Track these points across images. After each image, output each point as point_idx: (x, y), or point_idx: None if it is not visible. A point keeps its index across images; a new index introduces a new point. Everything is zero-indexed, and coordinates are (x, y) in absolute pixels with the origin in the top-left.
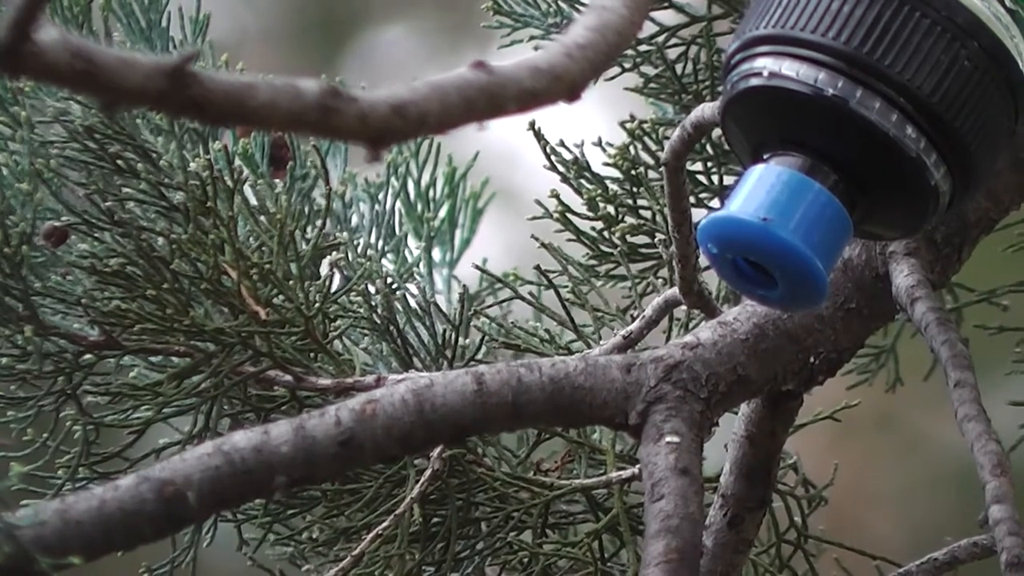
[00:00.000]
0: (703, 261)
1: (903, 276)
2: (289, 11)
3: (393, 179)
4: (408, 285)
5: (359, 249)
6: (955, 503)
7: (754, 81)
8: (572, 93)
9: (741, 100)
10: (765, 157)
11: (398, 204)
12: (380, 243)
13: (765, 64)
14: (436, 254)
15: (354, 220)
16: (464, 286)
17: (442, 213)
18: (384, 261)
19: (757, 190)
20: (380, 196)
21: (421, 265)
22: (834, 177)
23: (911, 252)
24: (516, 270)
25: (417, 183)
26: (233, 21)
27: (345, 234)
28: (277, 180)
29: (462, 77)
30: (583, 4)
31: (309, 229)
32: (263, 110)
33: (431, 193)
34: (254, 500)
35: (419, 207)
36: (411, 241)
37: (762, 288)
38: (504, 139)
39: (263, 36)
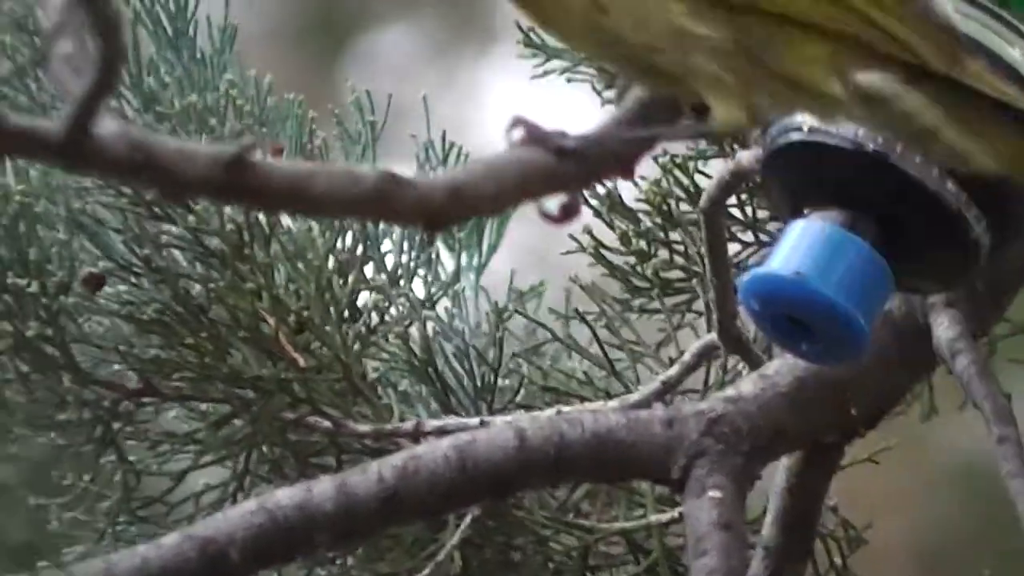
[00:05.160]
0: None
1: (944, 328)
2: (289, 11)
3: None
4: (440, 308)
5: (390, 267)
6: (956, 503)
7: (794, 136)
8: (627, 170)
9: (781, 155)
10: (805, 211)
11: None
12: (412, 258)
13: (805, 118)
14: (463, 259)
15: (386, 244)
16: (499, 337)
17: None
18: (416, 280)
19: (798, 246)
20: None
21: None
22: (875, 232)
23: (952, 303)
24: (543, 284)
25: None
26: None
27: (383, 275)
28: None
29: (517, 158)
30: None
31: (339, 242)
32: (322, 198)
33: None
34: (297, 557)
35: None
36: (443, 253)
37: (804, 343)
38: (501, 137)
39: (263, 36)
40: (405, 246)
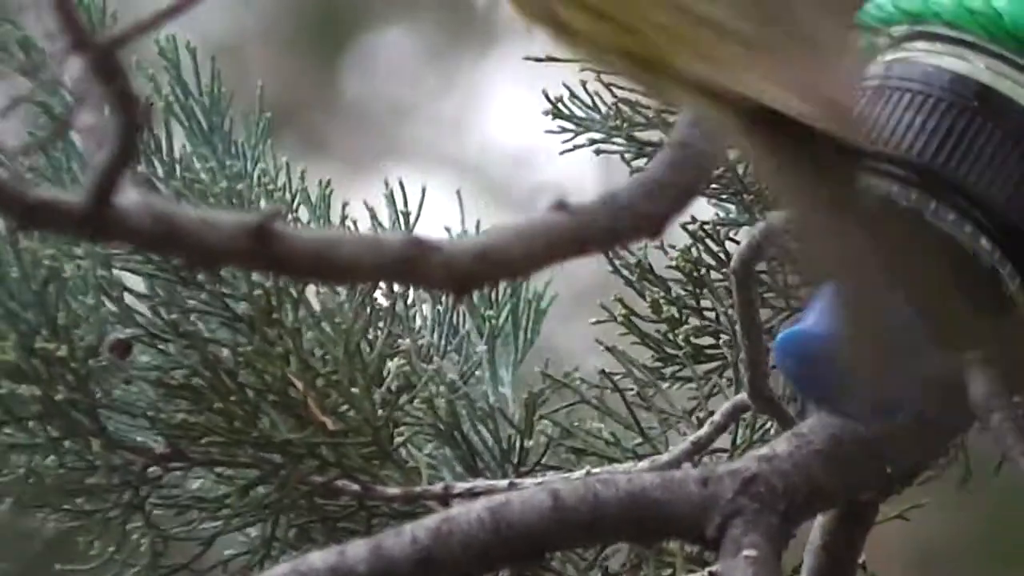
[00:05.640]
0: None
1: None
2: (289, 12)
3: None
4: (472, 386)
5: (422, 349)
6: (958, 504)
7: None
8: (654, 232)
9: None
10: None
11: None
12: (443, 343)
13: None
14: (500, 353)
15: (417, 320)
16: (530, 390)
17: (504, 313)
18: (446, 361)
19: (834, 304)
20: (442, 296)
21: (485, 364)
22: None
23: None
24: (577, 370)
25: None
26: (233, 21)
27: (408, 340)
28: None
29: (544, 221)
30: (644, 107)
31: (370, 331)
32: (347, 265)
33: (493, 294)
34: None
35: (482, 308)
36: (474, 338)
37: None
38: (501, 138)
39: (263, 36)
40: (435, 329)
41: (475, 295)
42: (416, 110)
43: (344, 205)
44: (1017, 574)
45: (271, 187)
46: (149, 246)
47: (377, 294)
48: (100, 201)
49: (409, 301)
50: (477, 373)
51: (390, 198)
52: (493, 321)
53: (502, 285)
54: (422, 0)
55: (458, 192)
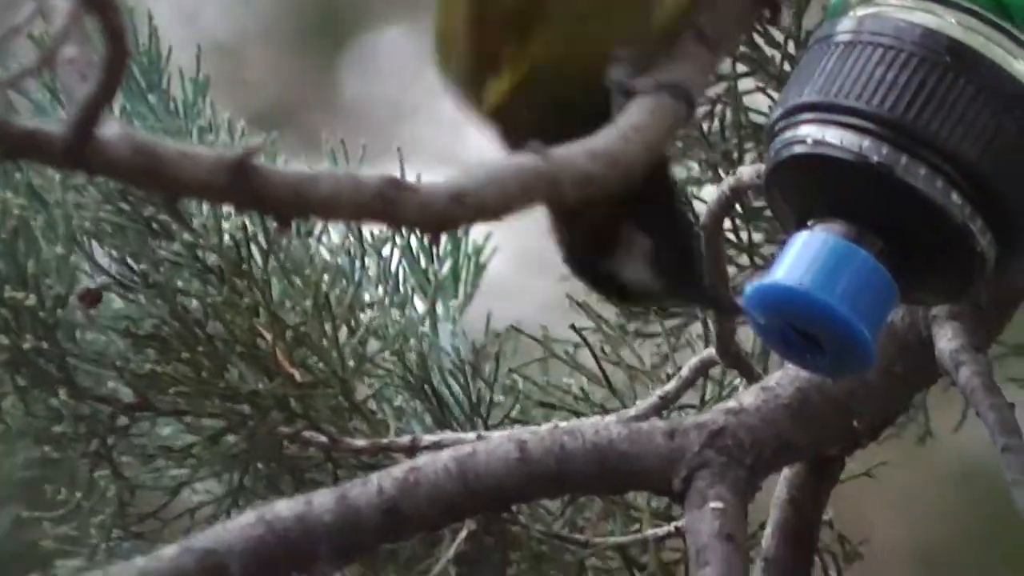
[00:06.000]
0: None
1: (947, 340)
2: (289, 11)
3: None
4: (412, 341)
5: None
6: (957, 504)
7: (798, 149)
8: (629, 175)
9: (785, 168)
10: (809, 224)
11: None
12: (386, 298)
13: (809, 132)
14: (440, 308)
15: (357, 275)
16: (496, 336)
17: (446, 269)
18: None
19: (802, 257)
20: (384, 251)
21: (427, 321)
22: (879, 244)
23: (955, 316)
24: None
25: (420, 237)
26: (233, 21)
27: (380, 291)
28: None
29: (520, 164)
30: None
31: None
32: (325, 203)
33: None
34: (298, 571)
35: (423, 261)
36: (416, 296)
37: (808, 355)
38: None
39: (263, 36)
40: (379, 286)
41: (415, 247)
42: (416, 110)
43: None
44: (1017, 574)
45: (213, 144)
46: (129, 178)
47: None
48: (83, 132)
49: (352, 253)
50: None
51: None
52: (437, 275)
53: (442, 238)
54: (422, 0)
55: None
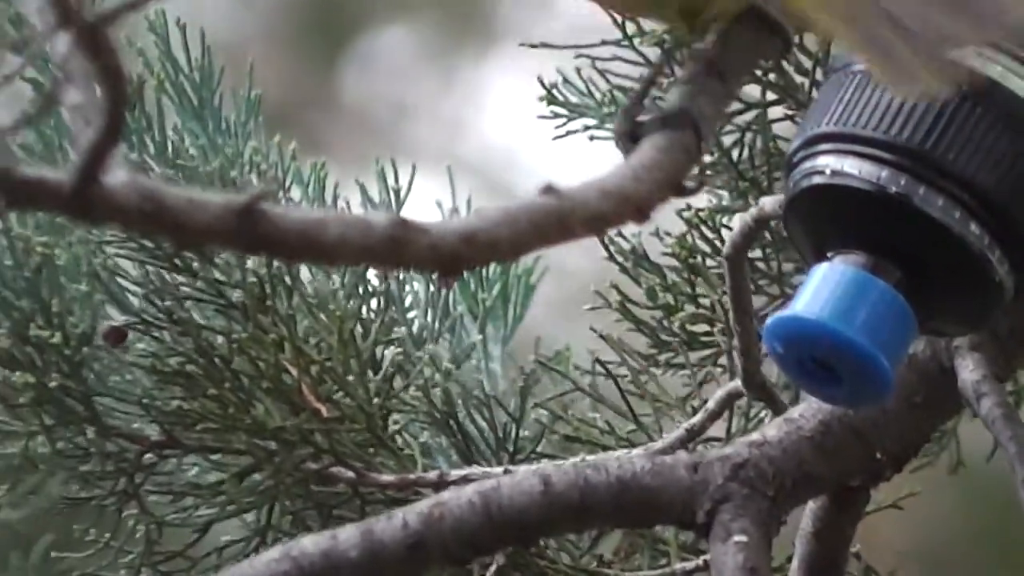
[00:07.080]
0: (764, 351)
1: (968, 371)
2: (289, 11)
3: None
4: (464, 370)
5: (415, 333)
6: (958, 504)
7: (816, 179)
8: (640, 214)
9: (804, 198)
10: (829, 255)
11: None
12: (436, 323)
13: (827, 162)
14: (490, 331)
15: (408, 299)
16: (524, 374)
17: (495, 291)
18: (441, 342)
19: (822, 289)
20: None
21: (478, 345)
22: (898, 274)
23: (976, 346)
24: (569, 350)
25: (431, 280)
26: (233, 21)
27: (403, 329)
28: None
29: (531, 203)
30: None
31: (364, 310)
32: (335, 246)
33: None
34: None
35: (472, 284)
36: (467, 319)
37: (828, 386)
38: (501, 138)
39: (263, 36)
40: (429, 311)
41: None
42: (416, 110)
43: (336, 185)
44: (1017, 574)
45: (263, 167)
46: (136, 225)
47: (370, 274)
48: (87, 179)
49: (401, 278)
50: (472, 358)
51: (380, 175)
52: (485, 302)
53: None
54: (422, 0)
55: (448, 168)
